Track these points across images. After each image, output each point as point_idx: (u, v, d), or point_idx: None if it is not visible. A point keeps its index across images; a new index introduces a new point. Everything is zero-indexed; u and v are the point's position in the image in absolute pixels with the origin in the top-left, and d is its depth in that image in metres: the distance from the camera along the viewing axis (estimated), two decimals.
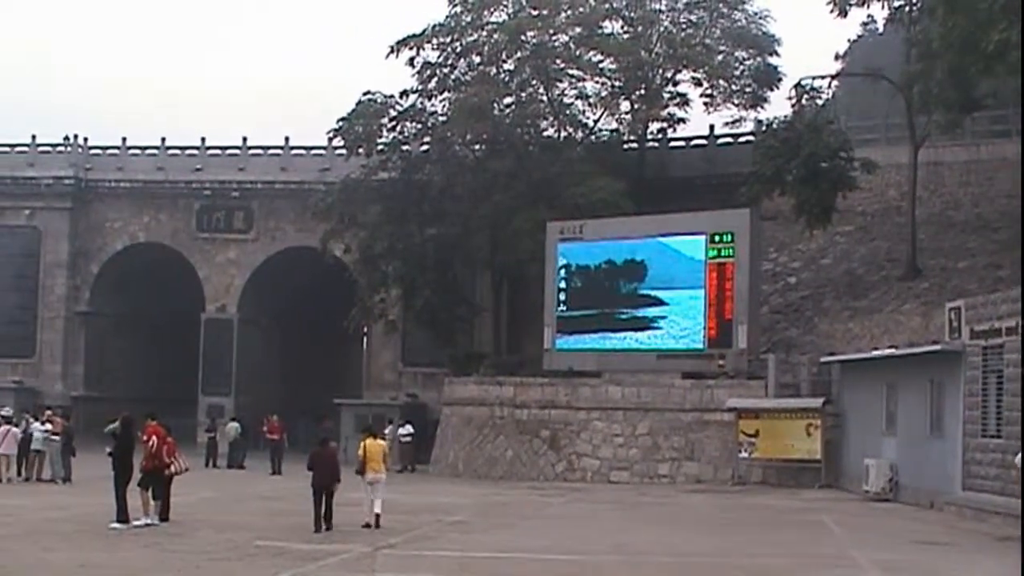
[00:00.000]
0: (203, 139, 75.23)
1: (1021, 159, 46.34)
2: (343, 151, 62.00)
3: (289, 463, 47.40)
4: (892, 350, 37.44)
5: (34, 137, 76.49)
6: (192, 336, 73.22)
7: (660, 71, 59.07)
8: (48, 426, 41.52)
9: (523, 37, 56.21)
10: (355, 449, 32.77)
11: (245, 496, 37.52)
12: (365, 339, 73.28)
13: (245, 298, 73.27)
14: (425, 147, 59.45)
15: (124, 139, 76.42)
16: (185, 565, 20.77)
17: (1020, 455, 26.45)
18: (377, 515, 26.87)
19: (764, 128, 53.13)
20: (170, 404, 59.36)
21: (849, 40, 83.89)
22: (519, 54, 56.62)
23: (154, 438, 27.31)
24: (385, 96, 58.64)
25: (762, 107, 59.25)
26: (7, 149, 76.48)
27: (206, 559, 21.54)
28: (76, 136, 76.59)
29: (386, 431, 48.95)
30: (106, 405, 63.82)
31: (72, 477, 39.89)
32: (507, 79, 57.71)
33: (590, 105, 58.71)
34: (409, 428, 54.16)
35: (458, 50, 57.61)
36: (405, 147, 59.50)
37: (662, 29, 59.15)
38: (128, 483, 26.62)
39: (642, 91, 58.23)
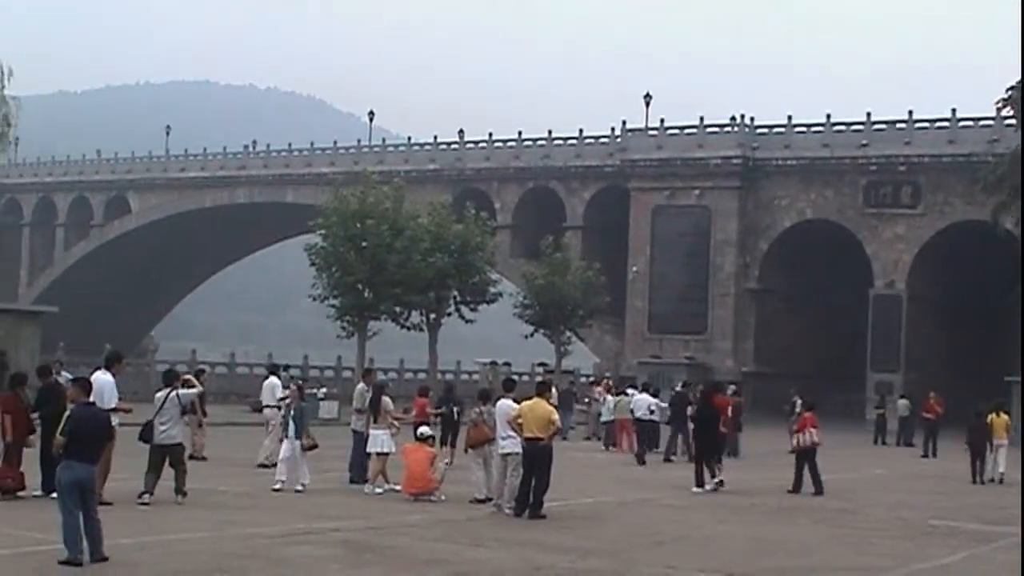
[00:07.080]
0: (868, 114, 75.18)
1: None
2: (1012, 121, 60.07)
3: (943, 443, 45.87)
4: None
5: (702, 119, 78.98)
6: (858, 312, 73.21)
7: None
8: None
9: None
10: None
11: (915, 474, 37.08)
12: None
13: (913, 274, 72.52)
14: None
15: (789, 117, 77.64)
16: (858, 541, 20.89)
17: None
18: (1001, 474, 33.36)
19: None
20: (835, 380, 59.82)
21: None
22: None
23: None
24: None
25: None
26: (677, 131, 79.40)
27: (878, 536, 21.57)
28: (743, 116, 78.52)
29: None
30: (775, 381, 64.89)
31: (740, 452, 40.41)
32: None
33: None
34: None
35: None
36: None
37: None
38: (709, 452, 28.34)
39: None
